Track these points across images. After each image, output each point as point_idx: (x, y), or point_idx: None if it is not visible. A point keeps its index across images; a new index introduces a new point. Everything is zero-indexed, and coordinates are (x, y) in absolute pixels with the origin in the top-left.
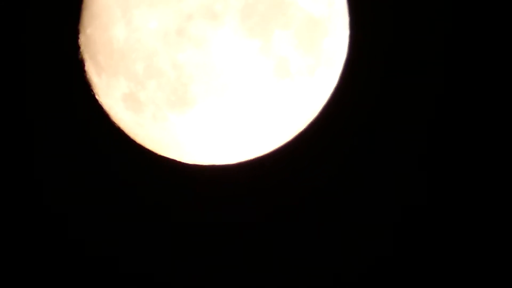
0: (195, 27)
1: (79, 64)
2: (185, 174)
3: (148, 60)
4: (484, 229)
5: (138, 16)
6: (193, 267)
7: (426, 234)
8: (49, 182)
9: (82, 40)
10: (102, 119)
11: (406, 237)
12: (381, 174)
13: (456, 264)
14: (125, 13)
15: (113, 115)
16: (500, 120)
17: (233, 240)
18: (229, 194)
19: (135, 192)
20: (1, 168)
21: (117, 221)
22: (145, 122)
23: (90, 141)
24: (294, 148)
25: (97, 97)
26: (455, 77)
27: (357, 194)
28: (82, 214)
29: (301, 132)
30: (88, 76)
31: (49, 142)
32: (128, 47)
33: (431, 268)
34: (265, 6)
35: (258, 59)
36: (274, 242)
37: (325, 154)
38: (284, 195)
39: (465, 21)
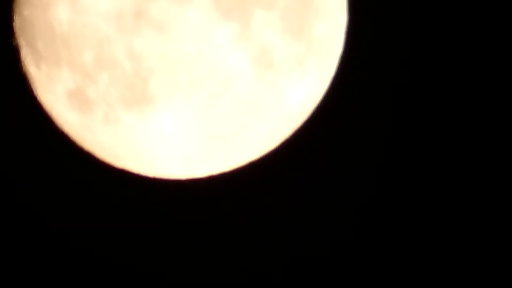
0: (157, 8)
1: (14, 52)
2: (143, 189)
3: (99, 48)
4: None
5: None
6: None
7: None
8: None
9: (17, 23)
10: (41, 120)
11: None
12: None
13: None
14: None
15: (56, 115)
16: (499, 123)
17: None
18: (197, 214)
19: (82, 209)
20: None
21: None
22: (95, 125)
23: (27, 147)
24: (278, 158)
25: (35, 92)
26: (461, 73)
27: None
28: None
29: (287, 138)
30: (24, 67)
31: None
32: (74, 32)
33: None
34: None
35: (235, 47)
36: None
37: (316, 166)
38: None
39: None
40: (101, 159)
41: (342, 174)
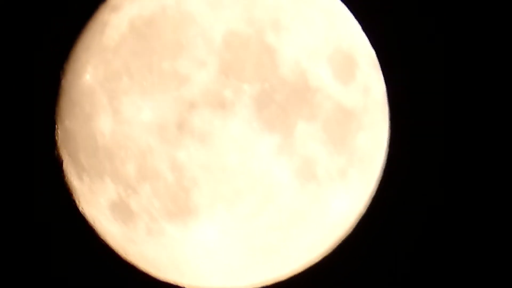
0: (199, 118)
1: (56, 164)
2: None
3: (141, 159)
4: None
5: (128, 104)
6: None
7: None
8: None
9: (59, 133)
10: (84, 232)
11: None
12: None
13: None
14: (112, 101)
15: (98, 227)
16: None
17: None
18: None
19: None
20: None
21: None
22: (138, 237)
23: (70, 259)
24: (320, 271)
25: (78, 204)
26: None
27: None
28: None
29: (329, 253)
30: (66, 179)
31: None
32: (116, 143)
33: None
34: (285, 93)
35: (277, 158)
36: None
37: (359, 280)
38: None
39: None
40: (144, 271)
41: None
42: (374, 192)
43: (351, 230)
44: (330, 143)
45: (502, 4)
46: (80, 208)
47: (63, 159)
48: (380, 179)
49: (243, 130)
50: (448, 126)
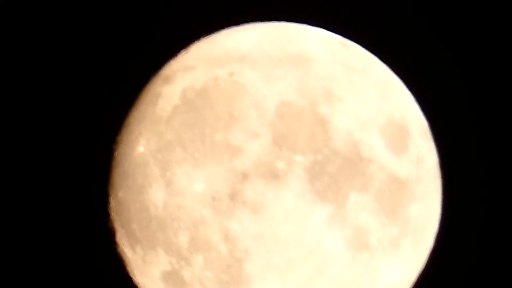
0: (252, 189)
1: (109, 235)
2: None
3: (194, 230)
4: None
5: (181, 176)
6: None
7: None
8: None
9: (112, 205)
10: None
11: None
12: None
13: None
14: (165, 173)
15: None
16: None
17: None
18: None
19: None
20: None
21: None
22: None
23: None
24: None
25: (131, 275)
26: None
27: None
28: None
29: None
30: (119, 249)
31: None
32: (169, 214)
33: None
34: (338, 164)
35: (330, 229)
36: None
37: None
38: None
39: None
40: None
41: None
42: (426, 265)
43: None
44: (383, 214)
45: None
46: (133, 279)
47: (117, 231)
48: (432, 252)
49: (295, 201)
50: (498, 197)
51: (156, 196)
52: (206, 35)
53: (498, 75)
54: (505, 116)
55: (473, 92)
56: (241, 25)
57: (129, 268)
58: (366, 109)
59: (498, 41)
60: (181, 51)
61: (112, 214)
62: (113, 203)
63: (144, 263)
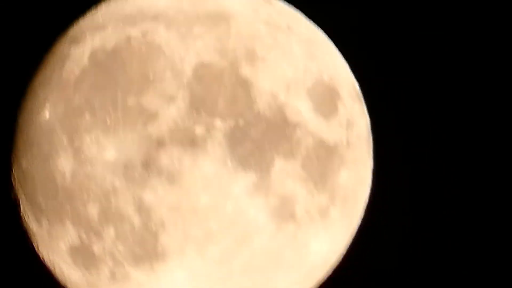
0: (168, 157)
1: (12, 207)
2: None
3: (105, 201)
4: None
5: (91, 143)
6: None
7: None
8: None
9: (15, 174)
10: (43, 278)
11: None
12: None
13: None
14: (73, 140)
15: (58, 274)
16: None
17: None
18: None
19: None
20: None
21: None
22: (101, 283)
23: None
24: None
25: (36, 249)
26: None
27: None
28: None
29: None
30: (24, 222)
31: None
32: (77, 185)
33: None
34: (261, 129)
35: (253, 198)
36: None
37: None
38: None
39: None
40: None
41: None
42: (356, 234)
43: (330, 272)
44: (310, 182)
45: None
46: (39, 254)
47: (20, 203)
48: (362, 220)
49: (215, 168)
50: (434, 161)
51: (63, 165)
52: None
53: (429, 32)
54: (438, 77)
55: (406, 51)
56: None
57: (34, 243)
58: (292, 70)
59: None
60: (90, 8)
61: (15, 184)
62: (16, 173)
63: (50, 237)
